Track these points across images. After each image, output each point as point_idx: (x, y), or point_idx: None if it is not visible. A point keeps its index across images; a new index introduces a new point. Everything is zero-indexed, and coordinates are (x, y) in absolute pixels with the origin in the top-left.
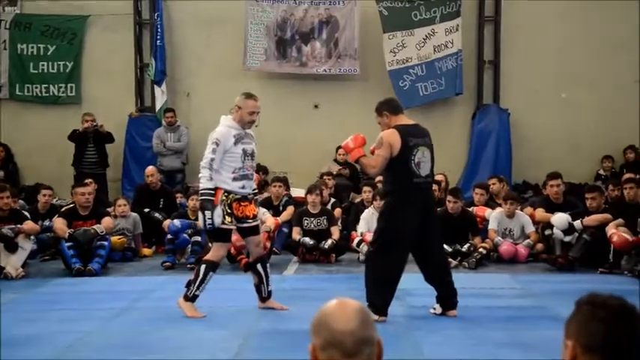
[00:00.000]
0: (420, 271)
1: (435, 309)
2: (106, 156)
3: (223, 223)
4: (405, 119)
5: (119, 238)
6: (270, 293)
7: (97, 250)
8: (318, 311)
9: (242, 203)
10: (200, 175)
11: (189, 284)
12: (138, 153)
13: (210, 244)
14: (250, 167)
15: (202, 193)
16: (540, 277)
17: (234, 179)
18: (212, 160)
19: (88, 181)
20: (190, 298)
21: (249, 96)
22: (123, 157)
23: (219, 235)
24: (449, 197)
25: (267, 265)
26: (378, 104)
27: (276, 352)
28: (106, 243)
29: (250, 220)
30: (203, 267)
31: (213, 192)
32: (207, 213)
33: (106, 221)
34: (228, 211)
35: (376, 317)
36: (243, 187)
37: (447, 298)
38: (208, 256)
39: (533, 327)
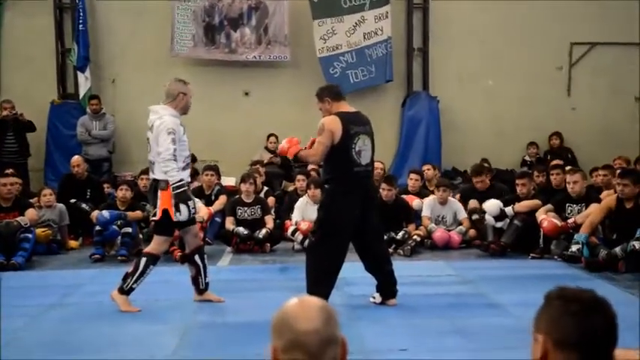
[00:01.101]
0: (359, 259)
1: (374, 298)
2: (27, 145)
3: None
4: (346, 106)
5: (44, 230)
6: (207, 285)
7: (20, 243)
8: (278, 311)
9: None
10: (165, 168)
11: (126, 277)
12: (61, 141)
13: (140, 236)
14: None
15: (177, 185)
16: (474, 263)
17: (184, 168)
18: (175, 150)
19: (9, 171)
20: (126, 292)
21: (186, 82)
22: (45, 145)
23: (166, 228)
24: (383, 185)
25: (205, 256)
26: (319, 89)
27: (215, 347)
28: (30, 235)
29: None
30: (144, 260)
31: (184, 183)
32: (190, 203)
33: (30, 213)
34: None
35: None
36: (188, 176)
37: (387, 287)
38: (149, 249)
39: (472, 314)
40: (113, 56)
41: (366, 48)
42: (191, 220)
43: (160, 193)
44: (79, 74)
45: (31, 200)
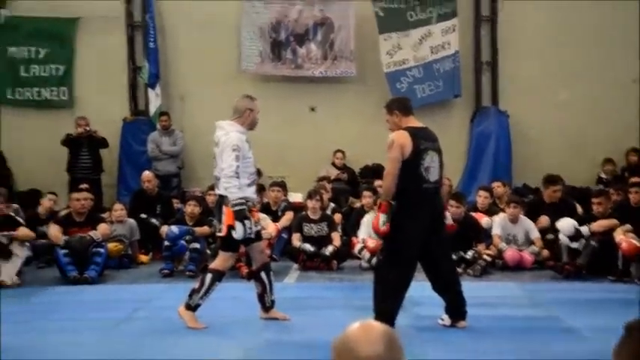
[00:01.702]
0: (427, 279)
1: (443, 319)
2: (100, 161)
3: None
4: (415, 121)
5: (116, 245)
6: (273, 303)
7: (93, 257)
8: (341, 334)
9: (252, 210)
10: (226, 185)
11: (192, 293)
12: (133, 157)
13: (208, 252)
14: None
15: (236, 203)
16: (547, 285)
17: (249, 185)
18: (237, 167)
19: (83, 186)
20: (192, 308)
21: (253, 98)
22: (118, 161)
23: (232, 245)
24: (451, 202)
25: (271, 273)
26: (389, 101)
27: None
28: (102, 250)
29: (257, 226)
30: (209, 276)
31: (244, 201)
32: (247, 222)
33: (103, 227)
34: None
35: None
36: (253, 193)
37: (456, 308)
38: (215, 265)
39: (544, 339)
40: (182, 73)
41: (434, 62)
42: (257, 237)
43: (224, 209)
44: (150, 91)
45: (103, 215)
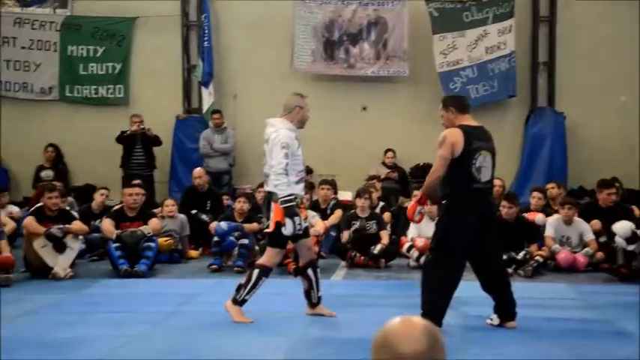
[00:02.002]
0: (476, 279)
1: (492, 319)
2: (153, 157)
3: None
4: (470, 120)
5: (166, 240)
6: (319, 299)
7: (144, 252)
8: (380, 330)
9: (300, 206)
10: (276, 182)
11: (239, 288)
12: (185, 154)
13: (256, 248)
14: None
15: (285, 200)
16: (601, 287)
17: (297, 182)
18: (287, 164)
19: (136, 182)
20: (239, 303)
21: (303, 95)
22: (170, 158)
23: (279, 241)
24: (503, 202)
25: (318, 269)
26: (445, 97)
27: None
28: (153, 244)
29: (304, 222)
30: (256, 272)
31: (294, 198)
32: (297, 219)
33: (153, 222)
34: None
35: None
36: (301, 190)
37: (506, 309)
38: (262, 261)
39: (597, 343)
40: (235, 72)
41: (488, 62)
42: (305, 233)
43: (273, 205)
44: (203, 89)
45: (154, 210)
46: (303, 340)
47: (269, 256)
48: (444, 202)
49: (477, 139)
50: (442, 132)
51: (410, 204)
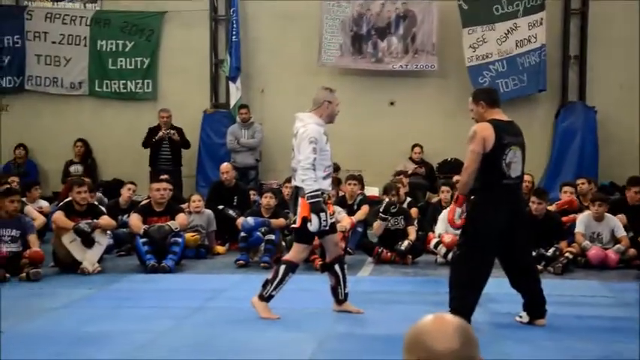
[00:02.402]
0: (505, 275)
1: (521, 317)
2: (180, 154)
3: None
4: (500, 114)
5: (193, 235)
6: (346, 295)
7: (171, 247)
8: (413, 327)
9: (327, 202)
10: (303, 177)
11: (266, 284)
12: (212, 149)
13: (283, 243)
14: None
15: (312, 195)
16: (634, 285)
17: (325, 177)
18: (314, 159)
19: (163, 177)
20: (266, 298)
21: (332, 90)
22: (197, 153)
23: (305, 236)
24: (533, 198)
25: (345, 266)
26: (476, 90)
27: (353, 357)
28: (180, 240)
29: (331, 218)
30: (283, 267)
31: (320, 194)
32: (322, 215)
33: (181, 218)
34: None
35: None
36: (329, 185)
37: (536, 306)
38: (289, 257)
39: (631, 340)
40: (262, 67)
41: (518, 56)
42: (332, 229)
43: (300, 200)
44: (231, 84)
45: (181, 206)
46: (330, 337)
47: (296, 252)
48: (472, 197)
49: (507, 134)
50: (471, 126)
51: (449, 207)
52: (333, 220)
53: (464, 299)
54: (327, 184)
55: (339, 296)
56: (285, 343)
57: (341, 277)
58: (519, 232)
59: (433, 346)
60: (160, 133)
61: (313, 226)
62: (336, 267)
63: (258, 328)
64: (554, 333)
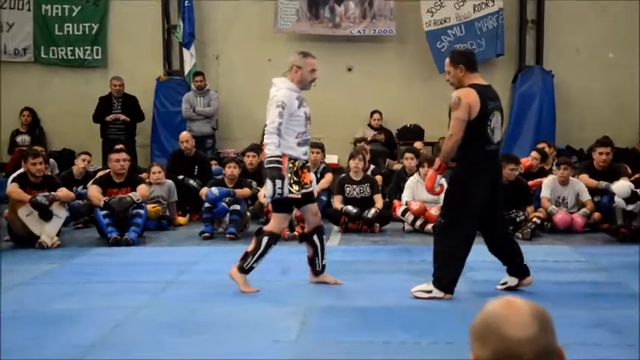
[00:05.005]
0: (482, 242)
1: (506, 282)
2: (134, 124)
3: (290, 192)
4: (479, 79)
5: (154, 207)
6: (324, 267)
7: (133, 219)
8: (481, 314)
9: (303, 170)
10: (266, 141)
11: (246, 256)
12: (167, 118)
13: (248, 213)
14: (309, 132)
15: (270, 160)
16: (603, 248)
17: (299, 144)
18: (280, 124)
19: (119, 146)
20: (246, 271)
21: (306, 54)
22: (152, 122)
23: (283, 205)
24: (506, 164)
25: (324, 236)
26: (455, 53)
27: (340, 331)
28: (142, 211)
29: (309, 187)
30: (265, 238)
31: (280, 159)
32: (278, 182)
33: (142, 189)
34: (295, 179)
35: (441, 295)
36: (305, 153)
37: (519, 266)
38: (270, 227)
39: (615, 306)
40: (217, 33)
41: (476, 21)
42: (311, 199)
43: None
44: (185, 51)
45: (140, 176)
46: (313, 311)
47: (276, 222)
48: (455, 164)
49: (489, 100)
50: (429, 92)
51: (428, 174)
52: (312, 189)
53: (448, 268)
54: (302, 152)
55: (316, 267)
56: (269, 318)
57: (319, 247)
58: (500, 197)
59: (509, 334)
60: (108, 118)
61: (267, 192)
62: (315, 237)
63: (238, 302)
64: (539, 300)
